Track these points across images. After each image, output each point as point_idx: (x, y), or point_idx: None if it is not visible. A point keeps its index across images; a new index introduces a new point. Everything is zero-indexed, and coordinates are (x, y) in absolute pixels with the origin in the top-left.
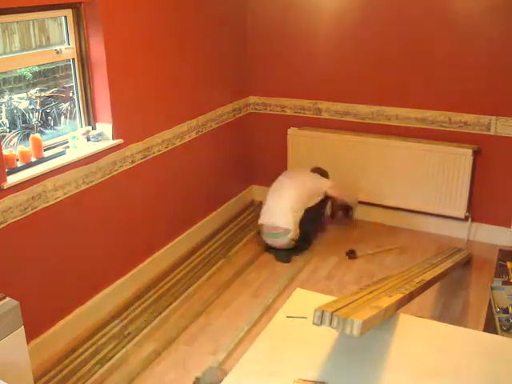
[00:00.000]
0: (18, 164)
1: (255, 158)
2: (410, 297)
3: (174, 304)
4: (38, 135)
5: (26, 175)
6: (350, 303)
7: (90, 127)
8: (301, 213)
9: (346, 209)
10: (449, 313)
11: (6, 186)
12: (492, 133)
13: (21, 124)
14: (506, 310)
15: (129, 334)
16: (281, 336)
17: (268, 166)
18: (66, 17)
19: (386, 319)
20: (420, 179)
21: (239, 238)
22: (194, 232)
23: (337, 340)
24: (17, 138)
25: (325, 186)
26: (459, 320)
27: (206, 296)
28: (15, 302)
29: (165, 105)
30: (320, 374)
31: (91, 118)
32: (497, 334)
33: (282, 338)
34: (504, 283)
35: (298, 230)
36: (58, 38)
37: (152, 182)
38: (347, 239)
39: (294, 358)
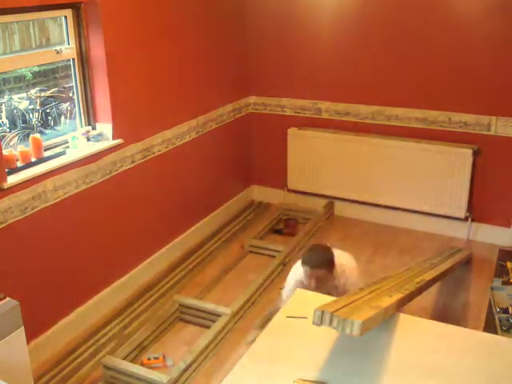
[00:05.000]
0: (18, 164)
1: (255, 157)
2: (410, 297)
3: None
4: (37, 135)
5: (26, 175)
6: (350, 303)
7: (89, 127)
8: None
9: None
10: (449, 313)
11: (6, 185)
12: (492, 133)
13: (21, 124)
14: (506, 310)
15: (128, 334)
16: (281, 336)
17: (268, 166)
18: (65, 17)
19: (386, 319)
20: (420, 179)
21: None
22: (194, 232)
23: (337, 340)
24: (17, 137)
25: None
26: (459, 320)
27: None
28: (15, 302)
29: (165, 105)
30: (320, 374)
31: (91, 118)
32: (497, 334)
33: (282, 338)
34: (504, 283)
35: None
36: (57, 38)
37: (152, 182)
38: (347, 239)
39: (293, 358)
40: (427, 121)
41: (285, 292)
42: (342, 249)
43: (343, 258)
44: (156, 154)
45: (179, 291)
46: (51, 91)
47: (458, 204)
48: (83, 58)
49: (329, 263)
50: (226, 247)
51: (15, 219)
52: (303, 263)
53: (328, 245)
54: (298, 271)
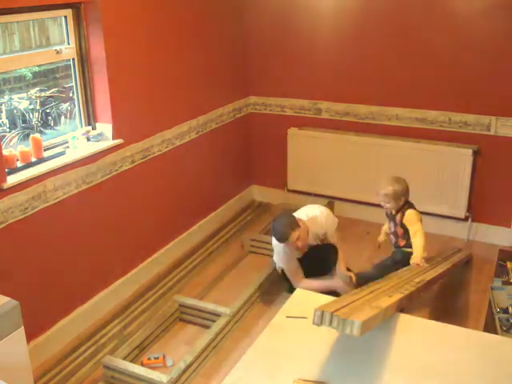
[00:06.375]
0: (18, 164)
1: (255, 158)
2: (410, 297)
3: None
4: (38, 135)
5: (26, 175)
6: (350, 303)
7: (89, 127)
8: None
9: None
10: (449, 313)
11: (5, 186)
12: (492, 133)
13: (21, 124)
14: (505, 310)
15: (128, 334)
16: (281, 336)
17: (268, 166)
18: (65, 17)
19: (386, 319)
20: (420, 179)
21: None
22: (194, 232)
23: (337, 340)
24: (17, 137)
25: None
26: (459, 320)
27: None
28: (15, 302)
29: (165, 105)
30: (320, 374)
31: (91, 118)
32: (497, 334)
33: (282, 338)
34: (504, 283)
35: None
36: (57, 38)
37: (152, 182)
38: (347, 239)
39: (294, 358)
40: (427, 121)
41: (276, 260)
42: (341, 248)
43: (310, 210)
44: (156, 154)
45: (179, 291)
46: (51, 91)
47: (458, 204)
48: (83, 58)
49: (292, 227)
50: (226, 247)
51: (15, 219)
52: (276, 240)
53: (287, 211)
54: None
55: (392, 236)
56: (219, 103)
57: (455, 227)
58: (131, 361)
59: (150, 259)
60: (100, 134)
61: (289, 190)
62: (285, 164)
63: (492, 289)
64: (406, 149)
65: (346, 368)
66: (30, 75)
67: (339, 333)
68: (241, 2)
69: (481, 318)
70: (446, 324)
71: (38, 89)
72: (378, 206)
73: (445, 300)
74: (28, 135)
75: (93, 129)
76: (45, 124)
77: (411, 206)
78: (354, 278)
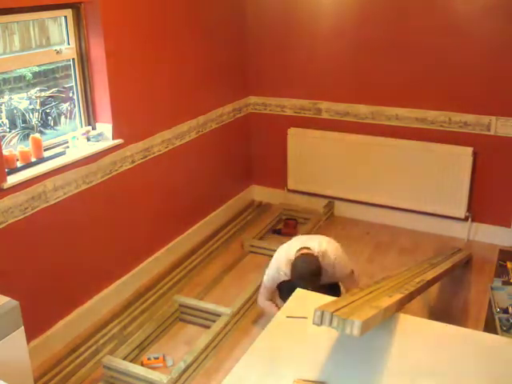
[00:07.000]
0: (18, 164)
1: (255, 158)
2: (410, 297)
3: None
4: (37, 135)
5: (26, 175)
6: (350, 303)
7: (89, 127)
8: None
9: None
10: (449, 313)
11: (6, 186)
12: (492, 133)
13: (21, 124)
14: (505, 310)
15: (128, 334)
16: (281, 336)
17: (268, 166)
18: (66, 17)
19: (386, 319)
20: (420, 179)
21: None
22: (194, 232)
23: (337, 340)
24: (17, 137)
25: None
26: (459, 320)
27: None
28: (15, 302)
29: (165, 105)
30: (320, 374)
31: (91, 118)
32: (497, 334)
33: (282, 338)
34: (504, 283)
35: None
36: (57, 38)
37: (152, 182)
38: (347, 239)
39: (294, 358)
40: (427, 121)
41: (267, 271)
42: (342, 248)
43: (324, 246)
44: (156, 154)
45: (179, 291)
46: (51, 91)
47: (458, 204)
48: (83, 58)
49: (319, 275)
50: (226, 247)
51: (15, 219)
52: (294, 280)
53: (310, 252)
54: (281, 259)
55: None
56: (219, 103)
57: (455, 227)
58: (131, 361)
59: (150, 259)
60: (100, 134)
61: (289, 190)
62: (285, 164)
63: (492, 289)
64: (406, 149)
65: (346, 368)
66: (30, 75)
67: (339, 333)
68: (241, 2)
69: (481, 318)
70: (445, 324)
71: (38, 89)
72: (378, 205)
73: (445, 300)
74: (28, 135)
75: (93, 129)
76: (45, 124)
77: None
78: None
